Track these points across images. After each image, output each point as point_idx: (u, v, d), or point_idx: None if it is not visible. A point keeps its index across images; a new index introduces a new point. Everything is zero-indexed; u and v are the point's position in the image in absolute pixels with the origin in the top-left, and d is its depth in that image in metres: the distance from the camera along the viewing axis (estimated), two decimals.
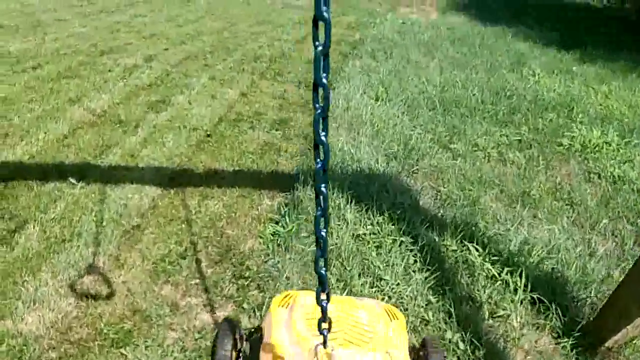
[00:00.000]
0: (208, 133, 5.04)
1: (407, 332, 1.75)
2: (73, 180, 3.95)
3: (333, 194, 3.72)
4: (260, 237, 3.42)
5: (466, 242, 3.25)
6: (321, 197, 1.23)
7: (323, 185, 1.21)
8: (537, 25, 10.23)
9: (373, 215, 3.50)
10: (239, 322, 2.56)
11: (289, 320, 1.55)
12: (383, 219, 3.47)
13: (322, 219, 1.25)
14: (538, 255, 3.17)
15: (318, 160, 1.18)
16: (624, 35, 9.94)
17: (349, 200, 3.65)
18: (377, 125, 5.06)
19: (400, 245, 3.24)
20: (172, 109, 5.62)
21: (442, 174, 4.25)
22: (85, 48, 7.79)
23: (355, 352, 1.44)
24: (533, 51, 8.30)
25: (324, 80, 1.07)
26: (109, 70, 6.77)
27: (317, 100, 1.11)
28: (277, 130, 5.16)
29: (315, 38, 1.05)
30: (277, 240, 3.35)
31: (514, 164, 4.51)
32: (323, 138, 1.14)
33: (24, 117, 5.13)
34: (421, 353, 2.20)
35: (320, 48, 1.04)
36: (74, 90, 5.97)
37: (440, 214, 3.69)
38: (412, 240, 3.28)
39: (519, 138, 4.94)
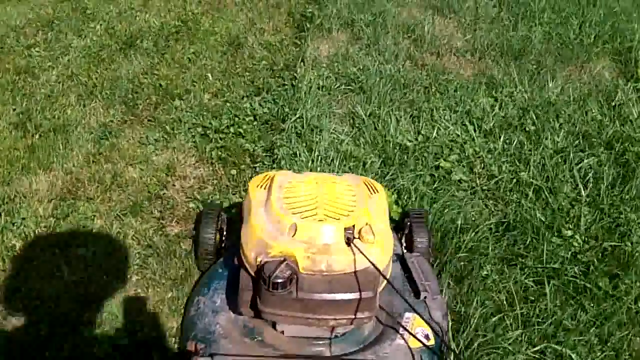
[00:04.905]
0: None
1: (388, 205, 1.59)
2: None
3: None
4: None
5: None
6: None
7: None
8: None
9: None
10: (221, 206, 2.54)
11: (267, 200, 1.51)
12: None
13: None
14: None
15: None
16: None
17: None
18: None
19: None
20: None
21: None
22: None
23: (333, 225, 1.46)
24: None
25: None
26: None
27: None
28: None
29: None
30: None
31: None
32: None
33: None
34: (404, 225, 2.23)
35: None
36: None
37: None
38: None
39: None
